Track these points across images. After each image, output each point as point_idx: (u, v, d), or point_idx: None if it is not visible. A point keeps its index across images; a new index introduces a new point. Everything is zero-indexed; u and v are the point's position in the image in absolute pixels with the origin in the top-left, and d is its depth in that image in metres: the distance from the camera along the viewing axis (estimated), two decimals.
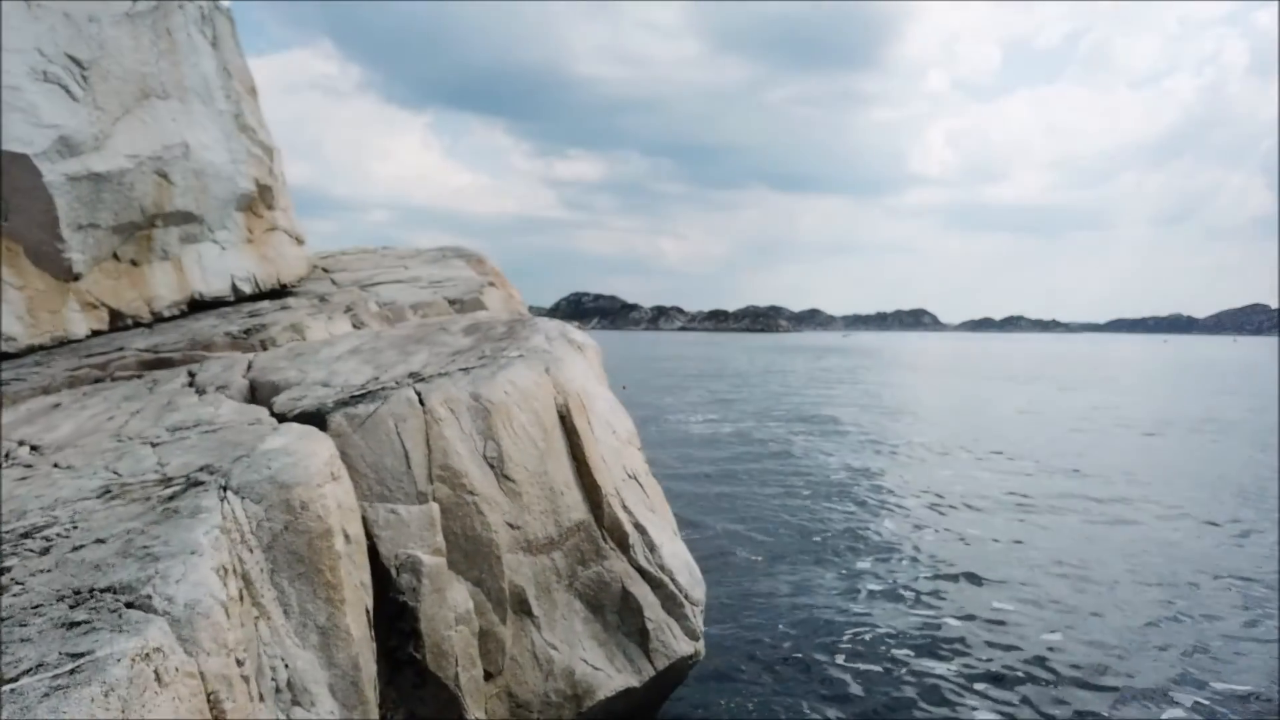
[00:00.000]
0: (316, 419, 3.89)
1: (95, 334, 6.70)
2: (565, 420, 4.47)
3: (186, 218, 7.53)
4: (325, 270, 12.67)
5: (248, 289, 8.13)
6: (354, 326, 6.02)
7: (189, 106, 7.66)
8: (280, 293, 8.50)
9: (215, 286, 7.83)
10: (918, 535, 10.58)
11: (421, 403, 3.98)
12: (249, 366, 5.03)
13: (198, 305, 7.65)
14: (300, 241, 9.07)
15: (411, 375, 4.41)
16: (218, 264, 7.91)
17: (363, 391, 4.13)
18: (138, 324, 7.04)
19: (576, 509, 4.28)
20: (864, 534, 10.55)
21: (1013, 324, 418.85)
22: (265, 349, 5.35)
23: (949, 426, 22.27)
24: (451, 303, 9.48)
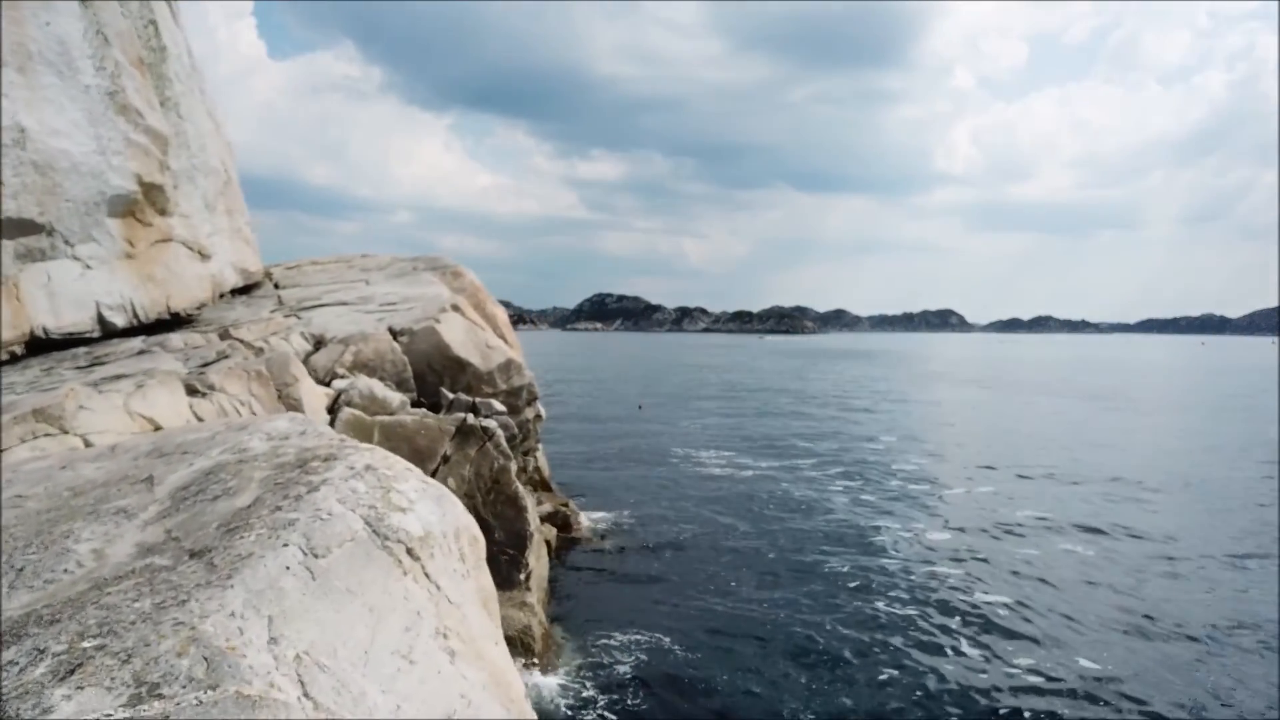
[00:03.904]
0: None
1: None
2: None
3: (25, 227, 5.59)
4: (277, 285, 10.77)
5: (120, 321, 6.17)
6: (191, 395, 4.04)
7: (32, 79, 5.74)
8: (170, 323, 6.55)
9: (70, 319, 5.89)
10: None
11: None
12: None
13: (42, 345, 5.72)
14: (205, 256, 7.11)
15: None
16: (77, 288, 5.97)
17: None
18: None
19: None
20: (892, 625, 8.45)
21: (1041, 324, 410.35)
22: None
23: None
24: (397, 334, 7.47)
